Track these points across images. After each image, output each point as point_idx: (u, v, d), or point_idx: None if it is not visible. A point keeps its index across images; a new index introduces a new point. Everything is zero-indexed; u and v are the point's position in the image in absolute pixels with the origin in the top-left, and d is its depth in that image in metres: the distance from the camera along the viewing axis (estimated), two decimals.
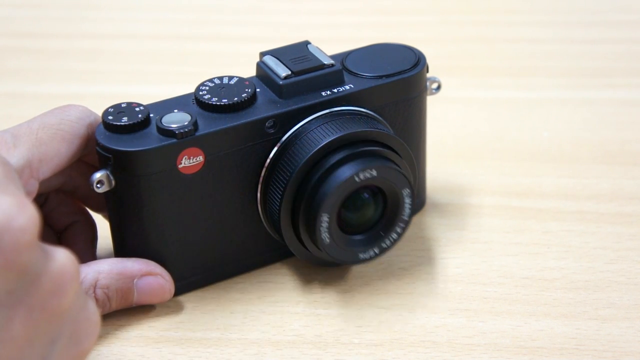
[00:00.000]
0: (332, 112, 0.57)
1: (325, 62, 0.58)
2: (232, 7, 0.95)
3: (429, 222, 0.64)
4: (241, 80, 0.57)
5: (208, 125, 0.55)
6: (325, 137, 0.55)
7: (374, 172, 0.55)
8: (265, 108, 0.56)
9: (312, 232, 0.55)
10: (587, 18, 0.91)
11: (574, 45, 0.86)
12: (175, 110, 0.55)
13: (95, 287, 0.54)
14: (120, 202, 0.55)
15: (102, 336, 0.55)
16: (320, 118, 0.57)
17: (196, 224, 0.57)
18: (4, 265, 0.39)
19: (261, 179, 0.57)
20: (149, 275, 0.56)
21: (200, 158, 0.55)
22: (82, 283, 0.54)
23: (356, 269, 0.60)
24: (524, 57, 0.85)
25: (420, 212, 0.65)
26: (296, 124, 0.56)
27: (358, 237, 0.57)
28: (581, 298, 0.58)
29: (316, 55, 0.58)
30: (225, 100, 0.56)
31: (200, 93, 0.56)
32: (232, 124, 0.55)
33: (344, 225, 0.56)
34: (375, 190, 0.57)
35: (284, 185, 0.56)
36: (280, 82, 0.57)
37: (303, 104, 0.57)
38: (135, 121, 0.54)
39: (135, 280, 0.55)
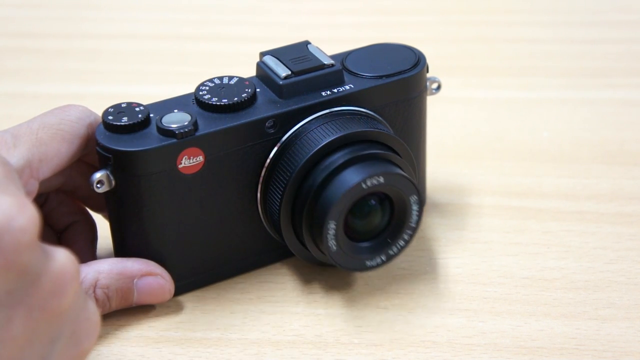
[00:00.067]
0: (332, 112, 0.57)
1: (325, 62, 0.58)
2: (232, 7, 0.95)
3: (429, 222, 0.64)
4: (241, 80, 0.57)
5: (208, 125, 0.55)
6: (326, 137, 0.55)
7: (382, 179, 0.54)
8: (265, 108, 0.56)
9: (318, 239, 0.55)
10: (587, 18, 0.91)
11: (574, 45, 0.86)
12: (175, 110, 0.55)
13: (95, 287, 0.54)
14: (120, 202, 0.55)
15: (102, 336, 0.55)
16: (320, 118, 0.56)
17: (196, 224, 0.57)
18: (4, 265, 0.39)
19: (261, 179, 0.57)
20: (149, 275, 0.56)
21: (200, 158, 0.55)
22: (82, 283, 0.54)
23: None
24: (524, 57, 0.85)
25: None
26: (296, 124, 0.56)
27: (365, 244, 0.57)
28: (581, 298, 0.58)
29: (316, 55, 0.58)
30: (225, 100, 0.56)
31: (200, 93, 0.56)
32: (232, 124, 0.55)
33: (350, 232, 0.56)
34: (382, 197, 0.56)
35: (284, 186, 0.56)
36: (280, 82, 0.57)
37: (303, 104, 0.56)
38: (135, 121, 0.54)
39: (135, 280, 0.55)
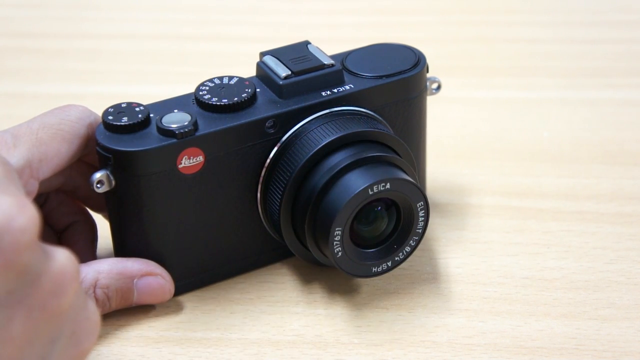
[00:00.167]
0: (332, 112, 0.57)
1: (325, 62, 0.58)
2: (232, 7, 0.95)
3: (429, 222, 0.64)
4: (241, 80, 0.57)
5: (208, 125, 0.55)
6: (326, 137, 0.55)
7: (388, 185, 0.54)
8: (265, 108, 0.56)
9: (323, 244, 0.55)
10: (587, 18, 0.91)
11: (574, 45, 0.86)
12: (175, 110, 0.55)
13: (95, 286, 0.54)
14: (120, 202, 0.55)
15: (102, 336, 0.55)
16: (321, 118, 0.56)
17: (196, 224, 0.57)
18: (4, 265, 0.39)
19: (261, 179, 0.57)
20: (149, 275, 0.56)
21: (200, 158, 0.55)
22: (82, 283, 0.54)
23: None
24: (524, 57, 0.85)
25: None
26: (296, 124, 0.56)
27: (370, 250, 0.57)
28: (581, 298, 0.57)
29: (316, 55, 0.58)
30: (225, 100, 0.56)
31: (200, 93, 0.56)
32: (232, 124, 0.55)
33: (356, 238, 0.56)
34: (388, 203, 0.56)
35: (284, 186, 0.56)
36: (280, 82, 0.57)
37: (303, 104, 0.56)
38: (135, 121, 0.54)
39: (135, 280, 0.55)
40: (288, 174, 0.56)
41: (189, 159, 0.55)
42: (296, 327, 0.56)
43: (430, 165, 0.66)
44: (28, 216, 0.39)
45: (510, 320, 0.56)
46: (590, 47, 0.86)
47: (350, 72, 0.59)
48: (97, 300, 0.54)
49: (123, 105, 0.55)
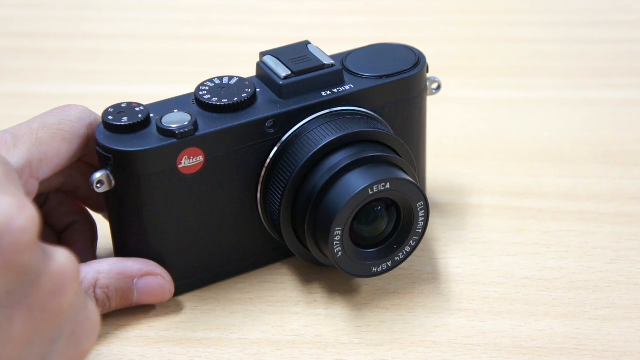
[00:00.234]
0: (332, 112, 0.57)
1: (325, 62, 0.58)
2: (232, 7, 0.95)
3: (429, 222, 0.64)
4: (241, 80, 0.57)
5: (208, 125, 0.55)
6: (326, 137, 0.55)
7: (388, 185, 0.54)
8: (265, 108, 0.56)
9: (323, 244, 0.55)
10: (587, 18, 0.91)
11: (574, 45, 0.86)
12: (175, 110, 0.55)
13: (95, 286, 0.54)
14: (120, 202, 0.55)
15: (102, 336, 0.55)
16: (321, 118, 0.56)
17: (196, 224, 0.57)
18: (4, 265, 0.39)
19: (261, 179, 0.57)
20: (149, 275, 0.56)
21: (200, 158, 0.55)
22: (82, 283, 0.54)
23: None
24: (524, 57, 0.85)
25: None
26: (296, 124, 0.56)
27: (370, 250, 0.57)
28: (581, 298, 0.57)
29: (316, 55, 0.58)
30: (225, 100, 0.56)
31: (200, 93, 0.56)
32: (232, 124, 0.55)
33: (356, 238, 0.56)
34: (388, 203, 0.56)
35: (284, 186, 0.56)
36: (280, 82, 0.57)
37: (303, 104, 0.56)
38: (135, 121, 0.54)
39: (135, 280, 0.55)
40: (288, 174, 0.56)
41: (189, 159, 0.55)
42: (296, 327, 0.56)
43: (430, 165, 0.66)
44: (28, 216, 0.39)
45: (510, 320, 0.56)
46: (590, 47, 0.86)
47: (350, 72, 0.59)
48: (97, 300, 0.54)
49: (123, 105, 0.55)
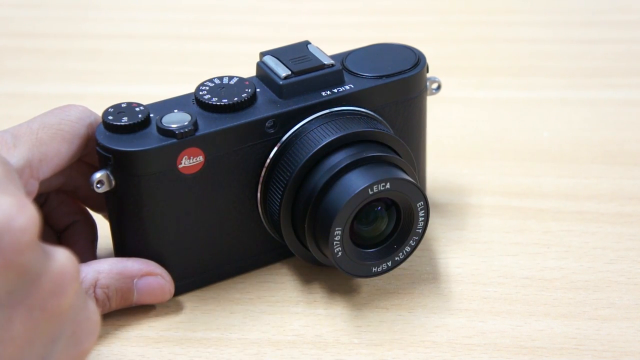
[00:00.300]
0: (332, 112, 0.57)
1: (325, 62, 0.58)
2: (232, 7, 0.95)
3: (429, 222, 0.64)
4: (241, 80, 0.57)
5: (208, 125, 0.55)
6: (326, 137, 0.55)
7: (388, 185, 0.54)
8: (265, 108, 0.56)
9: (323, 244, 0.55)
10: (587, 18, 0.91)
11: (574, 45, 0.86)
12: (175, 110, 0.55)
13: (95, 286, 0.54)
14: (120, 202, 0.55)
15: (102, 336, 0.55)
16: (321, 118, 0.56)
17: (196, 224, 0.57)
18: (3, 265, 0.39)
19: (261, 179, 0.57)
20: (149, 275, 0.56)
21: (200, 158, 0.55)
22: (82, 283, 0.54)
23: None
24: (524, 57, 0.85)
25: None
26: (296, 124, 0.56)
27: (371, 250, 0.57)
28: (581, 298, 0.58)
29: (316, 55, 0.58)
30: (225, 100, 0.56)
31: (200, 93, 0.56)
32: (232, 124, 0.55)
33: (356, 238, 0.56)
34: (388, 203, 0.56)
35: (284, 186, 0.56)
36: (280, 82, 0.57)
37: (303, 104, 0.56)
38: (135, 121, 0.54)
39: (135, 280, 0.55)
40: (288, 173, 0.56)
41: (189, 159, 0.55)
42: (296, 327, 0.56)
43: (430, 165, 0.66)
44: (28, 216, 0.39)
45: (510, 320, 0.56)
46: (590, 47, 0.86)
47: (350, 72, 0.59)
48: (97, 300, 0.54)
49: (123, 105, 0.55)
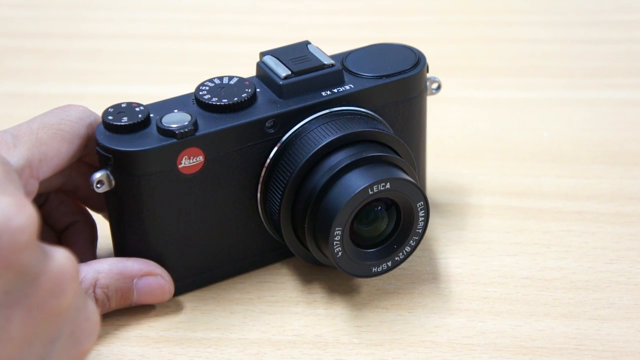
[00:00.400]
0: (332, 112, 0.57)
1: (325, 62, 0.58)
2: (232, 7, 0.95)
3: (429, 222, 0.64)
4: (241, 80, 0.57)
5: (208, 125, 0.55)
6: (326, 137, 0.55)
7: (388, 185, 0.54)
8: (265, 108, 0.56)
9: (323, 244, 0.55)
10: (587, 18, 0.91)
11: (574, 45, 0.86)
12: (175, 110, 0.55)
13: (95, 286, 0.54)
14: (120, 202, 0.55)
15: (102, 336, 0.55)
16: (321, 118, 0.56)
17: (196, 224, 0.57)
18: (2, 265, 0.39)
19: (261, 179, 0.57)
20: (149, 275, 0.56)
21: (200, 158, 0.55)
22: (82, 283, 0.54)
23: None
24: (524, 57, 0.85)
25: None
26: (296, 124, 0.56)
27: (371, 250, 0.57)
28: (581, 298, 0.57)
29: (316, 55, 0.58)
30: (225, 100, 0.56)
31: (200, 93, 0.56)
32: (232, 124, 0.55)
33: (356, 238, 0.56)
34: (388, 203, 0.56)
35: (284, 185, 0.56)
36: (280, 82, 0.57)
37: (303, 104, 0.56)
38: (135, 121, 0.54)
39: (135, 280, 0.55)
40: (288, 174, 0.56)
41: (189, 159, 0.55)
42: (296, 327, 0.56)
43: (430, 165, 0.66)
44: (26, 216, 0.39)
45: (510, 320, 0.56)
46: (590, 47, 0.86)
47: (350, 72, 0.59)
48: (96, 300, 0.54)
49: (123, 105, 0.55)
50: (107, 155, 0.54)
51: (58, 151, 0.54)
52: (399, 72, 0.59)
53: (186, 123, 0.54)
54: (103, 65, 0.85)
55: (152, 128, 0.54)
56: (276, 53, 0.59)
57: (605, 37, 0.87)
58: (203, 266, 0.58)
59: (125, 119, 0.54)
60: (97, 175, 0.54)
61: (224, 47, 0.88)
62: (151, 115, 0.55)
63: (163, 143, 0.54)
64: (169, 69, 0.84)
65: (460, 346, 0.55)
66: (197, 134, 0.54)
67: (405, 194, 0.55)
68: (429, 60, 0.61)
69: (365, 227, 0.56)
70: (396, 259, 0.57)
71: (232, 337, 0.56)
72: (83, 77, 0.83)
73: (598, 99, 0.78)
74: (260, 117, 0.56)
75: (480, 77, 0.82)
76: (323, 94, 0.57)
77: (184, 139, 0.54)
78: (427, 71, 0.61)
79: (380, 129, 0.57)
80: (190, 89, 0.57)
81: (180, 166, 0.55)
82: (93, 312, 0.44)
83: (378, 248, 0.57)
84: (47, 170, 0.54)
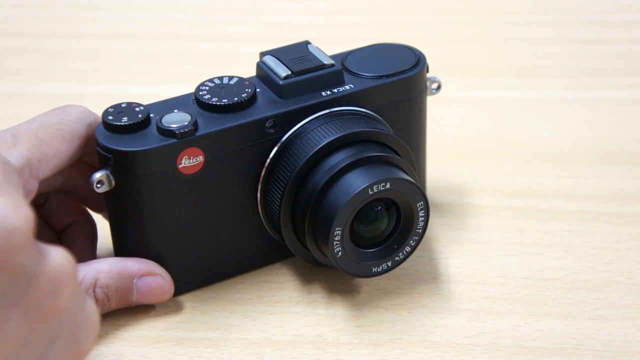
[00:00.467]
0: (332, 112, 0.57)
1: (325, 62, 0.58)
2: (232, 7, 0.95)
3: (429, 222, 0.64)
4: (241, 80, 0.57)
5: (208, 125, 0.55)
6: (326, 137, 0.55)
7: (388, 185, 0.54)
8: (265, 108, 0.56)
9: (323, 244, 0.55)
10: (587, 18, 0.91)
11: (574, 45, 0.86)
12: (175, 110, 0.55)
13: (94, 286, 0.54)
14: (120, 202, 0.55)
15: (102, 336, 0.55)
16: (320, 118, 0.56)
17: (196, 224, 0.57)
18: None
19: (261, 179, 0.57)
20: (149, 275, 0.56)
21: (200, 158, 0.55)
22: (82, 282, 0.54)
23: None
24: (524, 57, 0.85)
25: None
26: (296, 124, 0.56)
27: (371, 250, 0.57)
28: (581, 298, 0.57)
29: (316, 55, 0.58)
30: (225, 100, 0.56)
31: (200, 93, 0.56)
32: (232, 124, 0.55)
33: (356, 238, 0.56)
34: (388, 203, 0.56)
35: (284, 185, 0.56)
36: (280, 82, 0.57)
37: (303, 104, 0.56)
38: (135, 121, 0.54)
39: (134, 280, 0.55)
40: (288, 173, 0.56)
41: (189, 159, 0.55)
42: (296, 327, 0.56)
43: (430, 165, 0.66)
44: (22, 216, 0.39)
45: (510, 320, 0.56)
46: (590, 47, 0.86)
47: (350, 72, 0.59)
48: (96, 299, 0.54)
49: (123, 105, 0.55)
50: (107, 155, 0.54)
51: (58, 151, 0.54)
52: (399, 72, 0.59)
53: (186, 123, 0.54)
54: (103, 65, 0.85)
55: (152, 128, 0.54)
56: (276, 53, 0.59)
57: (604, 37, 0.87)
58: (203, 266, 0.58)
59: (125, 119, 0.54)
60: (97, 175, 0.54)
61: (224, 47, 0.88)
62: (151, 115, 0.55)
63: (163, 143, 0.54)
64: (169, 69, 0.84)
65: (460, 346, 0.55)
66: (197, 134, 0.54)
67: (405, 194, 0.55)
68: (429, 60, 0.61)
69: (365, 227, 0.56)
70: (396, 259, 0.57)
71: (232, 337, 0.56)
72: (83, 77, 0.83)
73: (598, 99, 0.78)
74: (260, 117, 0.56)
75: (480, 77, 0.82)
76: (323, 94, 0.57)
77: (184, 139, 0.54)
78: (427, 71, 0.61)
79: (380, 129, 0.57)
80: (190, 89, 0.57)
81: (180, 166, 0.55)
82: (93, 312, 0.44)
83: (378, 248, 0.57)
84: (46, 170, 0.54)
